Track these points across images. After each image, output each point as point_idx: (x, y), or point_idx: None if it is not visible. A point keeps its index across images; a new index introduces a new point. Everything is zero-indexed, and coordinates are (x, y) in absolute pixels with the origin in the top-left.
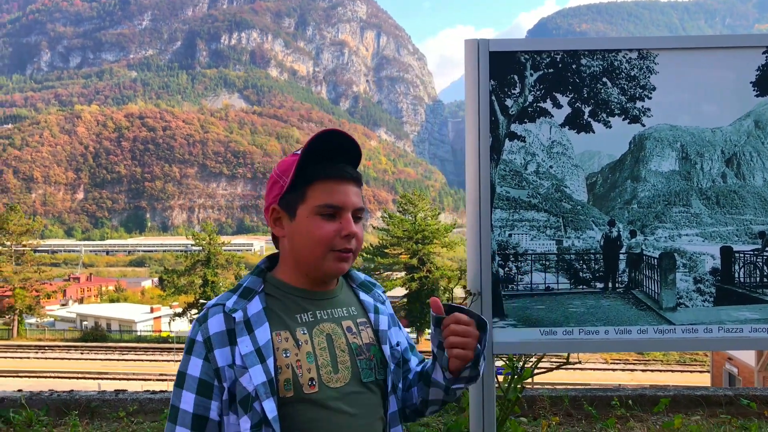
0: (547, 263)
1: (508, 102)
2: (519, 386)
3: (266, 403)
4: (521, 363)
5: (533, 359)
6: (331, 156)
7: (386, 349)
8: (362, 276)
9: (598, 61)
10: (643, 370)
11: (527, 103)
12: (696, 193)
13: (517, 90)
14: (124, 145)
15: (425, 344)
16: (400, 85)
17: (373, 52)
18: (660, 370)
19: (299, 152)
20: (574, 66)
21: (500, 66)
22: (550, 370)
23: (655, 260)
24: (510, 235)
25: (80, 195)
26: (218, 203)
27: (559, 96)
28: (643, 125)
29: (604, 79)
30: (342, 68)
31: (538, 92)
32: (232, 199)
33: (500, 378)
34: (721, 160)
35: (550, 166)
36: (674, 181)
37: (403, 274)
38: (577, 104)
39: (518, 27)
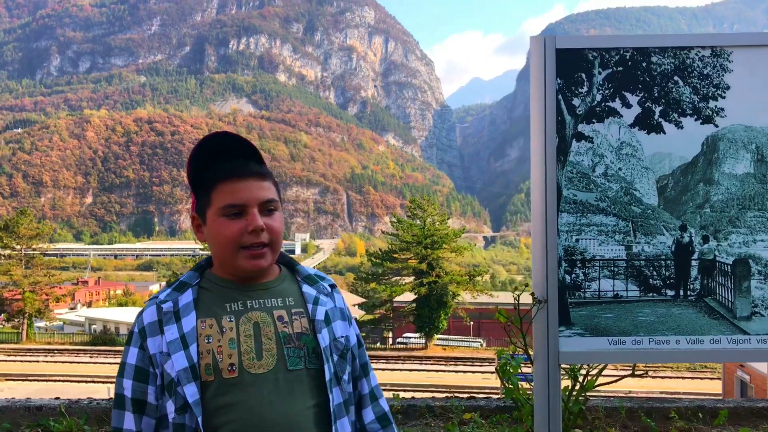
0: (616, 270)
1: (576, 101)
2: (582, 397)
3: (187, 388)
4: (584, 373)
5: (596, 368)
6: (228, 157)
7: (322, 338)
8: (309, 270)
9: (669, 59)
10: (653, 377)
11: (595, 102)
12: None
13: (585, 89)
14: (132, 149)
15: (434, 350)
16: (408, 90)
17: (381, 57)
18: (670, 377)
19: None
20: (644, 64)
21: (567, 64)
22: (616, 380)
23: (729, 267)
24: (577, 241)
25: (89, 199)
26: None
27: (628, 95)
28: (717, 126)
29: (676, 78)
30: (350, 73)
31: (606, 91)
32: None
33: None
34: None
35: (619, 168)
36: (749, 184)
37: (412, 278)
38: (648, 104)
39: (526, 32)
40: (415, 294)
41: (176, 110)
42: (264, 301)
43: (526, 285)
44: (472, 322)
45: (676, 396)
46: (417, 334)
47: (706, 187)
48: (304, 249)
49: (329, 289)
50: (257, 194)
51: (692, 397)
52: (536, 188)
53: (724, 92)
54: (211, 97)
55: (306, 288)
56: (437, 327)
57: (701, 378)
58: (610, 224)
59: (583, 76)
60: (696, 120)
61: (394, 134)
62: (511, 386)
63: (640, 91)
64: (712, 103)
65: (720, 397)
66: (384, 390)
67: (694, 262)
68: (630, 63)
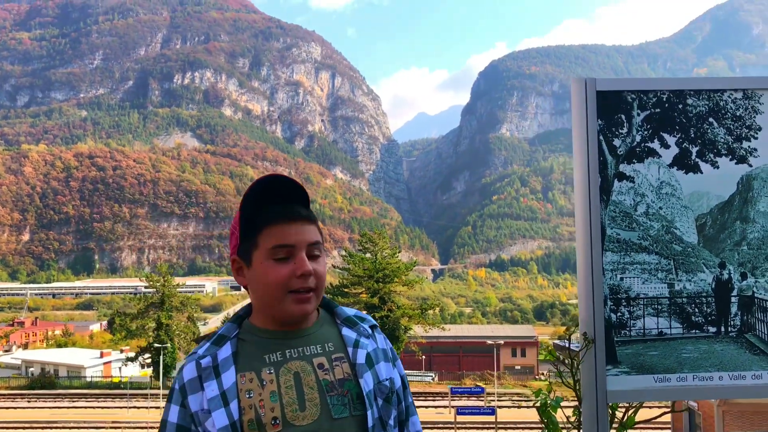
0: (660, 307)
1: (616, 142)
2: None
3: None
4: (624, 410)
5: (634, 405)
6: (277, 200)
7: (365, 383)
8: (349, 311)
9: (704, 101)
10: None
11: (635, 143)
12: None
13: (625, 130)
14: (72, 185)
15: None
16: (355, 124)
17: (328, 92)
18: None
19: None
20: (680, 106)
21: (608, 105)
22: (657, 416)
23: (767, 303)
24: (622, 279)
25: (26, 236)
26: (169, 243)
27: (666, 136)
28: (750, 165)
29: (711, 119)
30: (297, 108)
31: (645, 132)
32: (183, 240)
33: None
34: None
35: (660, 207)
36: None
37: None
38: (685, 144)
39: (470, 69)
40: None
41: (118, 145)
42: (303, 349)
43: (576, 325)
44: (423, 356)
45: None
46: None
47: (742, 225)
48: None
49: (370, 330)
50: (305, 237)
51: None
52: (581, 227)
53: (756, 133)
54: (154, 132)
55: (346, 331)
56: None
57: (650, 407)
58: (653, 262)
59: (623, 117)
60: (731, 160)
61: (342, 168)
62: (552, 426)
63: (678, 132)
64: (745, 144)
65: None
66: None
67: (733, 299)
68: (667, 105)
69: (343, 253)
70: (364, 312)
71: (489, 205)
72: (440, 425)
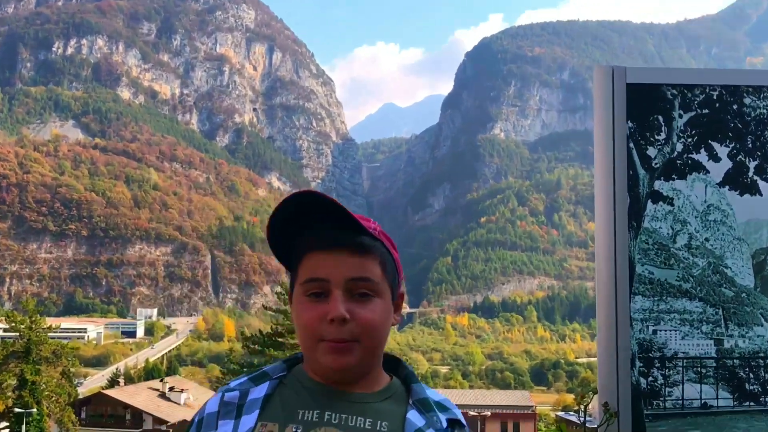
0: (704, 371)
1: (651, 151)
2: None
3: None
4: None
5: None
6: (323, 223)
7: None
8: (432, 393)
9: (766, 102)
10: None
11: (675, 153)
12: None
13: (663, 136)
14: None
15: None
16: (299, 116)
17: (263, 72)
18: None
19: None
20: (735, 106)
21: (641, 103)
22: None
23: None
24: (655, 332)
25: None
26: (40, 271)
27: (716, 145)
28: None
29: None
30: (220, 92)
31: (689, 139)
32: (59, 267)
33: None
34: None
35: (706, 239)
36: None
37: None
38: (740, 157)
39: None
40: None
41: None
42: (348, 417)
43: (593, 392)
44: None
45: None
46: None
47: None
48: (150, 330)
49: (444, 424)
50: (344, 270)
51: None
52: (602, 263)
53: None
54: (23, 118)
55: (412, 414)
56: None
57: None
58: (696, 311)
59: (660, 119)
60: None
61: (280, 174)
62: None
63: (731, 141)
64: None
65: None
66: None
67: None
68: (718, 105)
69: (278, 289)
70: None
71: (476, 229)
72: None
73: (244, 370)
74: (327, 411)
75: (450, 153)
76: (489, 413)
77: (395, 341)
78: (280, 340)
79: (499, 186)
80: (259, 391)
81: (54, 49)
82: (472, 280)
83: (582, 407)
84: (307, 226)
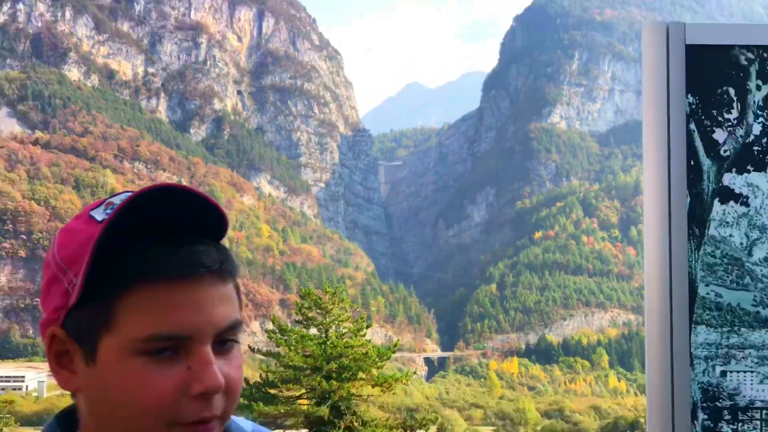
0: None
1: (719, 134)
2: None
3: None
4: None
5: None
6: (165, 232)
7: None
8: (247, 425)
9: None
10: None
11: (752, 137)
12: None
13: (735, 114)
14: None
15: None
16: (298, 100)
17: (250, 44)
18: None
19: (105, 218)
20: None
21: (705, 71)
22: None
23: None
24: (723, 374)
25: None
26: None
27: None
28: None
29: None
30: (196, 70)
31: None
32: None
33: None
34: None
35: None
36: None
37: None
38: None
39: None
40: None
41: None
42: None
43: None
44: None
45: None
46: None
47: None
48: None
49: None
50: (216, 315)
51: None
52: (653, 283)
53: None
54: None
55: None
56: None
57: None
58: None
59: (732, 92)
60: None
61: (272, 176)
62: None
63: None
64: None
65: None
66: None
67: None
68: None
69: (270, 326)
70: None
71: (528, 247)
72: None
73: None
74: None
75: (494, 148)
76: None
77: (423, 395)
78: (271, 391)
79: (559, 191)
80: None
81: None
82: (524, 315)
83: None
84: (131, 236)
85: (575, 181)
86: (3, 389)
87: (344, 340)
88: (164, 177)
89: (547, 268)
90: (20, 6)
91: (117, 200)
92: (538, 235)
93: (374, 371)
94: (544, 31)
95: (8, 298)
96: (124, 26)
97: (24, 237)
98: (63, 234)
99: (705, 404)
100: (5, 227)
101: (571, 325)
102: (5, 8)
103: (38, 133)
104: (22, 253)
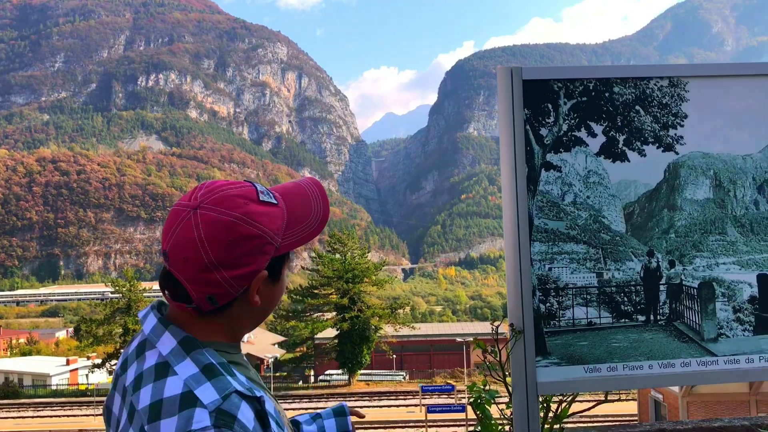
0: (589, 297)
1: (543, 131)
2: (557, 426)
3: None
4: (557, 401)
5: (569, 395)
6: None
7: None
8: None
9: (630, 89)
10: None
11: (562, 132)
12: (731, 221)
13: (552, 119)
14: (35, 190)
15: (357, 386)
16: (323, 125)
17: (294, 93)
18: (587, 400)
19: (272, 200)
20: (606, 94)
21: (534, 94)
22: (591, 407)
23: (695, 290)
24: (550, 269)
25: None
26: (136, 248)
27: (593, 125)
28: (677, 153)
29: (637, 107)
30: (264, 109)
31: (572, 121)
32: (150, 244)
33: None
34: (753, 187)
35: (588, 197)
36: (709, 209)
37: (333, 314)
38: (612, 133)
39: (438, 68)
40: (337, 330)
41: (82, 149)
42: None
43: (505, 316)
44: (394, 356)
45: (624, 421)
46: (339, 371)
47: (670, 212)
48: None
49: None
50: None
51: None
52: (508, 218)
53: (683, 121)
54: (119, 135)
55: None
56: (360, 362)
57: (616, 399)
58: (581, 252)
59: (550, 106)
60: (658, 148)
61: (310, 169)
62: (486, 421)
63: (604, 121)
64: (672, 132)
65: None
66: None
67: (662, 287)
68: (593, 93)
69: (313, 254)
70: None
71: (458, 203)
72: (411, 424)
73: (291, 314)
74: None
75: (437, 148)
76: (472, 339)
77: (401, 289)
78: (314, 291)
79: (474, 171)
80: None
81: (138, 82)
82: (457, 242)
83: (495, 328)
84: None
85: (483, 165)
86: (159, 296)
87: (355, 260)
88: (247, 172)
89: (469, 215)
90: (161, 75)
91: (260, 186)
92: (463, 197)
93: (373, 277)
94: (463, 80)
95: (161, 244)
96: (221, 85)
97: (168, 209)
98: (257, 213)
99: (540, 287)
100: (158, 204)
101: (483, 247)
102: (152, 77)
103: (174, 149)
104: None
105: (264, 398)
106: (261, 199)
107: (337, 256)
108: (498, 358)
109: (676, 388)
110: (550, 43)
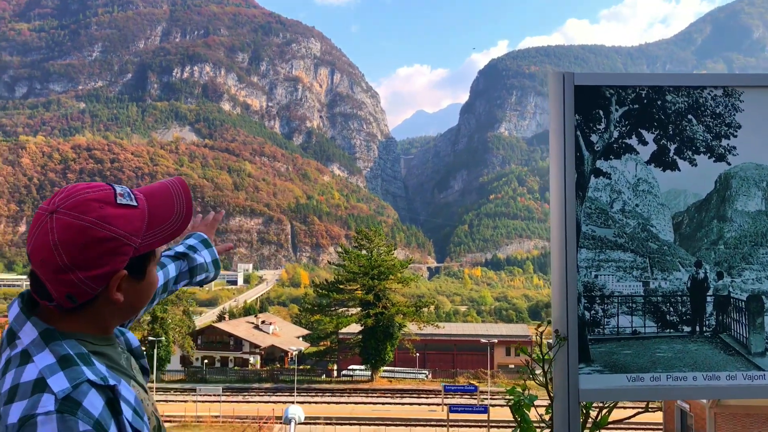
0: (634, 306)
1: (594, 137)
2: None
3: None
4: (598, 410)
5: (609, 403)
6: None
7: None
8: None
9: (683, 98)
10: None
11: (612, 139)
12: None
13: (603, 125)
14: (70, 177)
15: (380, 382)
16: (354, 121)
17: (326, 88)
18: (625, 407)
19: (132, 203)
20: (659, 102)
21: (585, 100)
22: (631, 416)
23: (743, 303)
24: (596, 276)
25: (23, 228)
26: None
27: (644, 132)
28: (729, 164)
29: (690, 116)
30: (295, 104)
31: (623, 128)
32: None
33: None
34: None
35: (636, 205)
36: (761, 222)
37: (358, 310)
38: (663, 141)
39: (471, 66)
40: (362, 325)
41: (116, 138)
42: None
43: (549, 321)
44: (417, 354)
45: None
46: (362, 366)
47: (719, 223)
48: (247, 280)
49: None
50: None
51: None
52: (556, 223)
53: (736, 131)
54: (153, 125)
55: None
56: (383, 359)
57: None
58: (628, 260)
59: (601, 112)
60: (709, 158)
61: (339, 165)
62: (525, 424)
63: (656, 129)
64: (724, 142)
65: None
66: (330, 425)
67: (709, 298)
68: (645, 101)
69: (339, 249)
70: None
71: (486, 204)
72: (433, 423)
73: (316, 308)
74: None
75: (467, 147)
76: (497, 341)
77: (426, 287)
78: (340, 286)
79: (504, 171)
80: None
81: (174, 74)
82: (484, 242)
83: (540, 334)
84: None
85: (513, 165)
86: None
87: (381, 257)
88: (278, 165)
89: (497, 216)
90: (195, 68)
91: (120, 189)
92: (492, 197)
93: (398, 275)
94: (496, 79)
95: None
96: (254, 79)
97: (199, 200)
98: (109, 216)
99: (585, 294)
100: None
101: (511, 248)
102: (187, 69)
103: (206, 141)
104: (198, 209)
105: (118, 387)
106: (118, 202)
107: (363, 252)
108: (541, 364)
109: (703, 399)
110: (585, 44)
